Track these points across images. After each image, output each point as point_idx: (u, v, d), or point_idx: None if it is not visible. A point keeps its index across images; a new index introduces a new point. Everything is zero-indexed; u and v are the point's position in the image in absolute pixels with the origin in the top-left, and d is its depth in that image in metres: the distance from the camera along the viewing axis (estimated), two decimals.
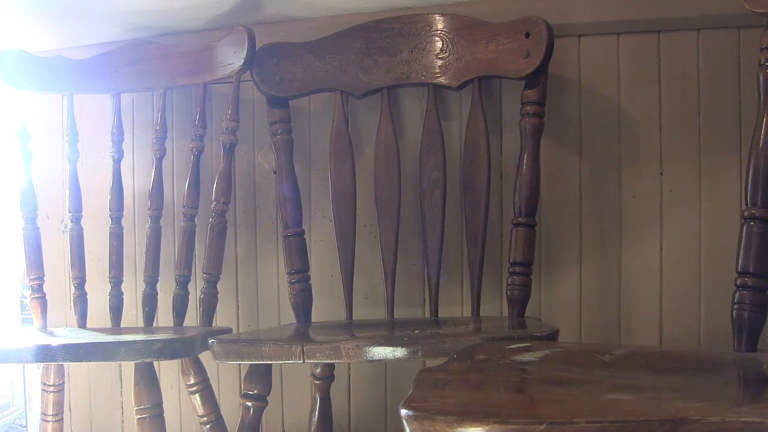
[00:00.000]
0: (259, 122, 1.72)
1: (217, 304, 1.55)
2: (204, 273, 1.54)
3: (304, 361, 1.16)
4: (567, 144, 1.55)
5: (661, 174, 1.50)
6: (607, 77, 1.52)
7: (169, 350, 1.28)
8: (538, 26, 1.37)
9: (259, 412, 1.36)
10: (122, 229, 1.66)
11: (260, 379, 1.34)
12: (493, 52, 1.43)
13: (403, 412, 0.68)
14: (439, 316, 1.48)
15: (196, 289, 1.63)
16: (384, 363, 1.65)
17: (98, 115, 1.77)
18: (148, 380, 1.48)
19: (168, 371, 1.78)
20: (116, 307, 1.64)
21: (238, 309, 1.76)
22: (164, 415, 1.50)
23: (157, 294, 1.62)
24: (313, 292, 1.55)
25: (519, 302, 1.39)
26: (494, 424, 0.64)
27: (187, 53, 1.62)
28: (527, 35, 1.38)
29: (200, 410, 1.44)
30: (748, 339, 1.06)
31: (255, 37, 1.52)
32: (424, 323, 1.42)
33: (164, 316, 1.67)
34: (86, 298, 1.66)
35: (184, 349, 1.31)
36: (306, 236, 1.57)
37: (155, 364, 1.51)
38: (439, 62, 1.49)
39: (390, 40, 1.52)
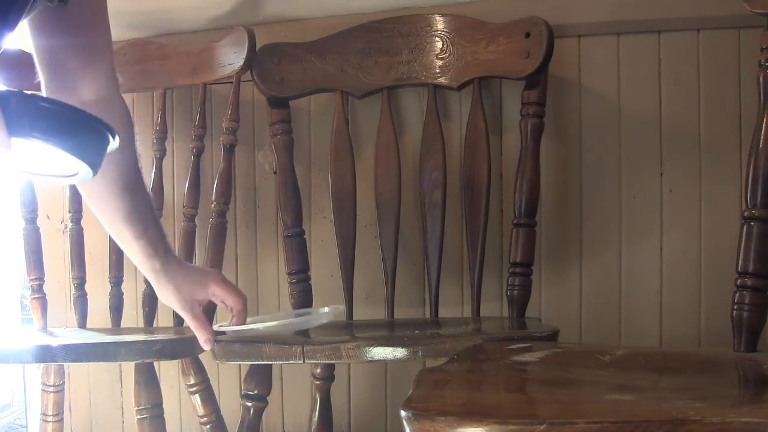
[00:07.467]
0: (259, 122, 1.72)
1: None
2: None
3: (304, 362, 1.17)
4: (567, 144, 1.55)
5: (661, 174, 1.50)
6: (608, 77, 1.52)
7: (169, 351, 1.29)
8: (538, 26, 1.37)
9: (259, 412, 1.36)
10: None
11: (260, 379, 1.35)
12: (494, 52, 1.43)
13: (404, 412, 0.68)
14: (439, 316, 1.48)
15: None
16: (384, 363, 1.64)
17: None
18: (148, 380, 1.48)
19: (168, 371, 1.77)
20: (116, 308, 1.64)
21: None
22: (164, 415, 1.51)
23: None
24: (313, 292, 1.55)
25: (519, 302, 1.39)
26: (494, 425, 0.64)
27: (187, 53, 1.62)
28: (527, 35, 1.39)
29: (200, 410, 1.44)
30: (748, 339, 1.06)
31: (255, 38, 1.52)
32: (424, 323, 1.43)
33: (164, 317, 1.67)
34: (86, 299, 1.66)
35: (184, 349, 1.31)
36: (306, 236, 1.57)
37: (155, 364, 1.51)
38: (440, 62, 1.49)
39: (390, 40, 1.52)
